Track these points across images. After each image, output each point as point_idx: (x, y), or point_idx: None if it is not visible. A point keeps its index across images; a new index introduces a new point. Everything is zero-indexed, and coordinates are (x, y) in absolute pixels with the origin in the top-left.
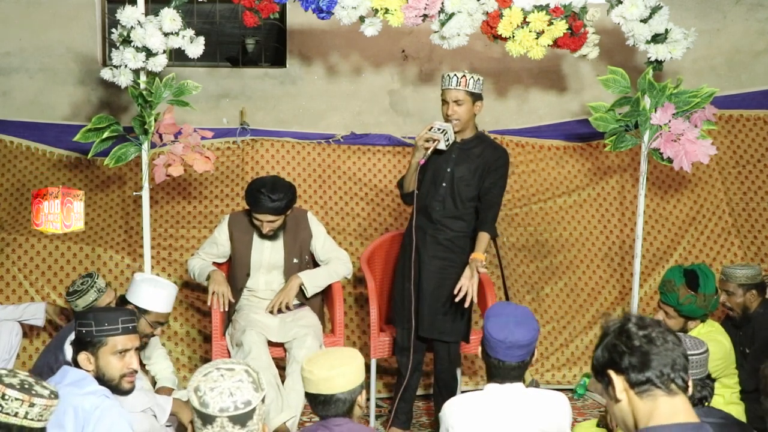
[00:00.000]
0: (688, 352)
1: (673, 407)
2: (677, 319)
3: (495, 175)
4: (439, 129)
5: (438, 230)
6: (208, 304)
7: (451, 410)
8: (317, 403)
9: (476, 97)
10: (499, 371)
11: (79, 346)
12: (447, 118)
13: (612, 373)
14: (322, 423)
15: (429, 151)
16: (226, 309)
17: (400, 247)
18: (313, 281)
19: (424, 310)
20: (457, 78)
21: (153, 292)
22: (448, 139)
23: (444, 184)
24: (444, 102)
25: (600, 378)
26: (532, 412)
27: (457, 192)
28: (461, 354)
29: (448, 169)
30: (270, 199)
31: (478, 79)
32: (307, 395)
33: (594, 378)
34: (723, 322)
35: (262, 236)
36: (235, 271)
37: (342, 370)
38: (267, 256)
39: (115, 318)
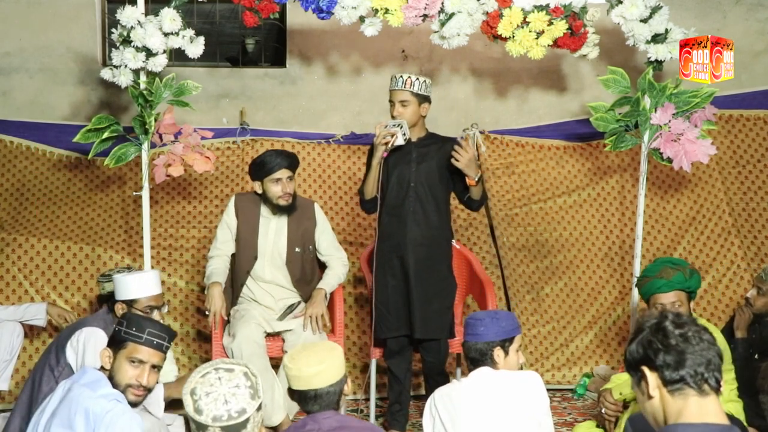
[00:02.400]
0: None
1: (704, 407)
2: (684, 306)
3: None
4: (393, 125)
5: (416, 232)
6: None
7: (438, 398)
8: (307, 399)
9: (423, 99)
10: (465, 351)
11: (109, 340)
12: (393, 119)
13: (646, 370)
14: (310, 417)
15: (390, 145)
16: (216, 330)
17: (373, 260)
18: (330, 290)
19: (417, 313)
20: (403, 79)
21: (131, 279)
22: (405, 134)
23: (412, 184)
24: (391, 103)
25: (633, 373)
26: (510, 391)
27: (428, 188)
28: (455, 353)
29: (413, 169)
30: (283, 154)
31: (425, 81)
32: (295, 392)
33: (627, 372)
34: (727, 324)
35: (277, 210)
36: (242, 254)
37: (329, 363)
38: (271, 241)
39: (144, 326)
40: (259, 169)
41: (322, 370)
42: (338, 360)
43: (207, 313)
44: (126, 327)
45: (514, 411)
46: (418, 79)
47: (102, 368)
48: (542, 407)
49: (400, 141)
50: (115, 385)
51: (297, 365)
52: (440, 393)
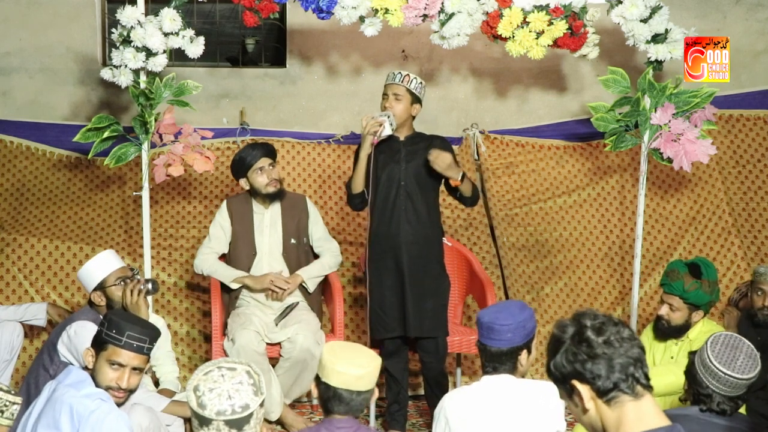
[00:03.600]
0: (738, 376)
1: (641, 411)
2: (683, 311)
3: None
4: (381, 115)
5: (409, 230)
6: (270, 299)
7: (450, 403)
8: (338, 399)
9: (415, 99)
10: (488, 357)
11: (93, 340)
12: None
13: (577, 383)
14: (324, 424)
15: (377, 135)
16: (285, 295)
17: (368, 257)
18: (308, 276)
19: (411, 311)
20: (401, 75)
21: (89, 266)
22: (392, 123)
23: (403, 183)
24: (384, 96)
25: (561, 386)
26: (529, 403)
27: (417, 186)
28: (455, 353)
29: (403, 167)
30: (258, 145)
31: (421, 82)
32: (327, 387)
33: (555, 385)
34: (741, 321)
35: (269, 199)
36: (240, 253)
37: (372, 369)
38: (267, 236)
39: (123, 329)
40: (240, 165)
41: (364, 375)
42: (377, 370)
43: (275, 290)
44: (107, 329)
45: (527, 425)
46: (416, 78)
47: (86, 367)
48: (558, 426)
49: (387, 131)
50: (97, 386)
51: (342, 363)
52: (451, 398)
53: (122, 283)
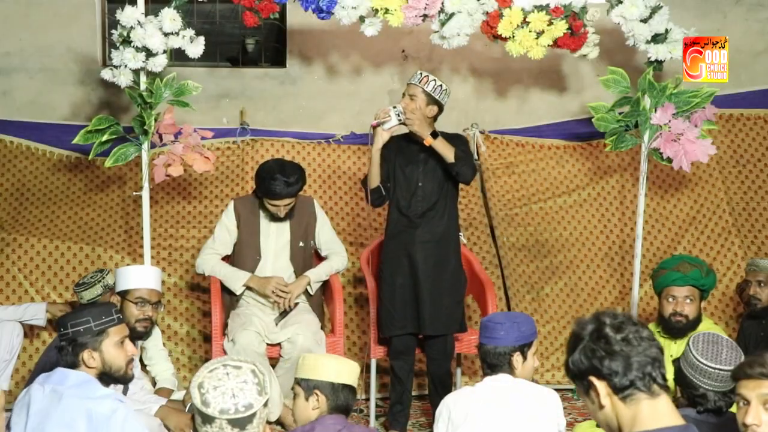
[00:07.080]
0: (725, 368)
1: (656, 410)
2: (696, 302)
3: (460, 151)
4: (389, 107)
5: (425, 230)
6: (278, 307)
7: (453, 400)
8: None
9: (432, 100)
10: (486, 356)
11: (77, 346)
12: None
13: (594, 379)
14: (317, 422)
15: (385, 126)
16: (291, 306)
17: (382, 255)
18: (316, 279)
19: (425, 310)
20: (420, 75)
21: (130, 270)
22: (398, 114)
23: (420, 184)
24: (402, 95)
25: (579, 383)
26: (531, 404)
27: (436, 187)
28: (459, 353)
29: (420, 169)
30: (286, 183)
31: (441, 85)
32: (326, 385)
33: (572, 382)
34: (744, 317)
35: (273, 219)
36: (244, 256)
37: (352, 365)
38: (273, 239)
39: (108, 310)
40: (264, 190)
41: (348, 367)
42: (357, 371)
43: (278, 296)
44: (95, 320)
45: (529, 427)
46: (435, 80)
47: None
48: (559, 425)
49: (393, 121)
50: (114, 373)
51: (327, 358)
52: (454, 396)
53: (141, 302)
